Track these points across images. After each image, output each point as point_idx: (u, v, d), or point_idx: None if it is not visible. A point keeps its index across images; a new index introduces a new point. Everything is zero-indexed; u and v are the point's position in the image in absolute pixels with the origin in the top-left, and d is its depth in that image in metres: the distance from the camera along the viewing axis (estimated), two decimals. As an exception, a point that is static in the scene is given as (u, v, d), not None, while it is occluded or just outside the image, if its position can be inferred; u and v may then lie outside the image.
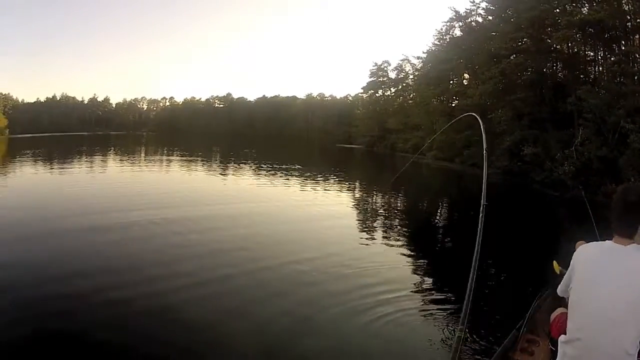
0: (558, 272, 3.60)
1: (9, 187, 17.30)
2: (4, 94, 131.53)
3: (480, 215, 3.32)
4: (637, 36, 24.01)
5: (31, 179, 20.39)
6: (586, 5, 25.65)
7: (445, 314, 5.98)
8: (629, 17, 23.73)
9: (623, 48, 23.77)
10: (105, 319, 5.45)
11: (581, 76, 27.92)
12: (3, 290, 6.13)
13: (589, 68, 28.60)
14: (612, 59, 24.70)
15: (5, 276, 6.71)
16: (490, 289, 6.87)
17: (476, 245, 3.40)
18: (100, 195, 15.21)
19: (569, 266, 3.03)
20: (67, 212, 11.88)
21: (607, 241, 2.22)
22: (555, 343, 2.69)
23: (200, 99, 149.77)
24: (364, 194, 19.90)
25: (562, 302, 3.08)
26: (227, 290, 6.77)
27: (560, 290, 2.52)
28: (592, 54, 27.91)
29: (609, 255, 2.16)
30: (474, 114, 4.70)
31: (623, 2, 23.48)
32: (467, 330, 2.06)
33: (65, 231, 9.89)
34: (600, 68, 27.46)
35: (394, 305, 6.07)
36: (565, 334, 2.27)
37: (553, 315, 3.08)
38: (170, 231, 10.21)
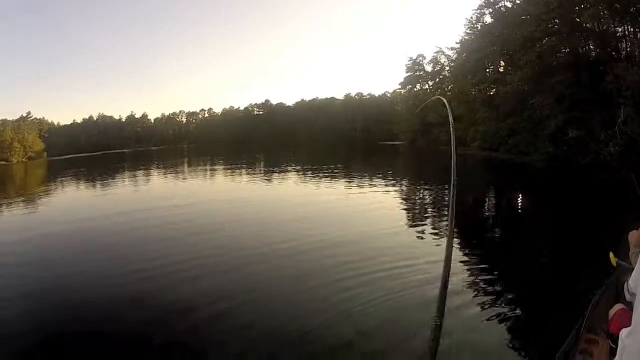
0: (615, 264, 3.41)
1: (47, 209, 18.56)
2: (38, 118, 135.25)
3: (451, 191, 2.73)
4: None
5: (73, 197, 22.25)
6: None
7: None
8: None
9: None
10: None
11: (613, 53, 27.15)
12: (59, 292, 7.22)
13: (620, 44, 27.71)
14: (640, 33, 23.88)
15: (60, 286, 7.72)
16: (546, 284, 6.64)
17: (449, 222, 2.66)
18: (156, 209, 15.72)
19: (626, 257, 3.05)
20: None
21: None
22: (615, 340, 2.44)
23: (238, 107, 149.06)
24: (411, 189, 19.50)
25: (620, 297, 2.99)
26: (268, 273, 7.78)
27: (631, 286, 2.25)
28: (620, 29, 27.11)
29: None
30: (442, 97, 4.51)
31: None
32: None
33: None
34: (630, 44, 26.63)
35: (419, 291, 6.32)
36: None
37: (612, 312, 2.93)
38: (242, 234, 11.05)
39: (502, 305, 5.93)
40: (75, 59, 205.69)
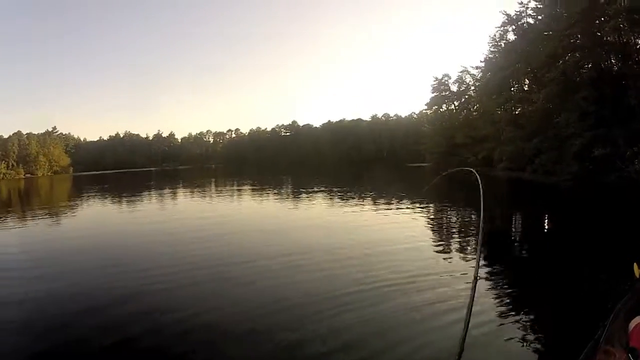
0: (638, 276, 3.48)
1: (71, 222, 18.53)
2: (64, 133, 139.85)
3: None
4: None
5: (95, 213, 22.69)
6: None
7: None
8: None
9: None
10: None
11: (635, 66, 26.09)
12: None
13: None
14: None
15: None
16: (568, 295, 6.52)
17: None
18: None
19: None
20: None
21: None
22: (635, 353, 2.51)
23: (265, 128, 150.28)
24: (438, 212, 18.77)
25: None
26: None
27: None
28: (640, 41, 26.12)
29: None
30: (471, 169, 4.79)
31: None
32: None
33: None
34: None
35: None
36: None
37: (632, 324, 2.88)
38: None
39: (522, 319, 5.67)
40: (105, 75, 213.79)
